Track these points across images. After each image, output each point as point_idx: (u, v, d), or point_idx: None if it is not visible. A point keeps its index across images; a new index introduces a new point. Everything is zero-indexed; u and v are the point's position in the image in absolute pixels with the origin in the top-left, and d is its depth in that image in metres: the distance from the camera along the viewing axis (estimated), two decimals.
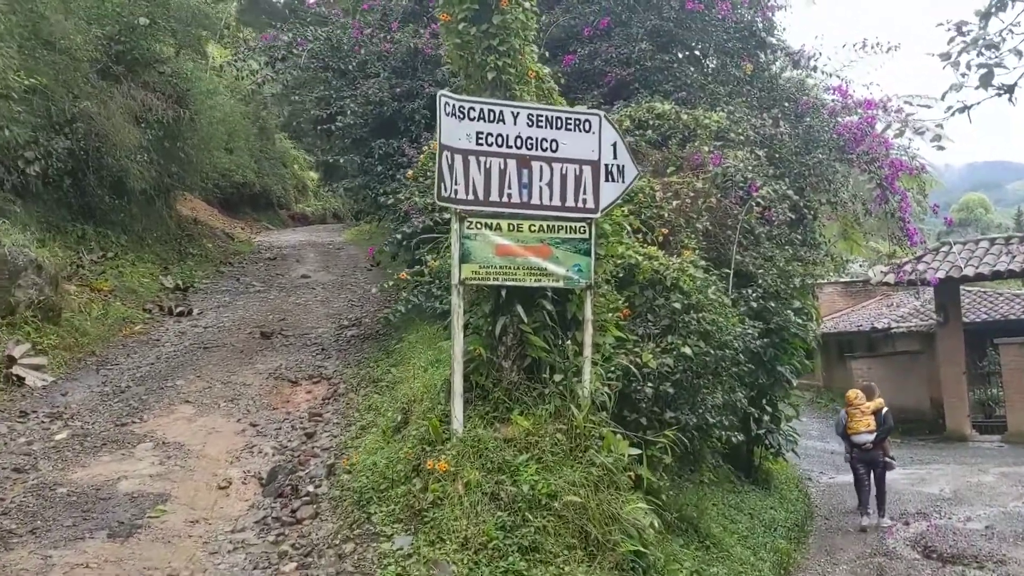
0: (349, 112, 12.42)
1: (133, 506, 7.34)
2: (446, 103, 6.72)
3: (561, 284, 7.06)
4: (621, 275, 8.64)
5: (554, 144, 7.08)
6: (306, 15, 15.37)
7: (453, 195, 6.77)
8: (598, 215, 7.18)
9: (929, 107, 13.24)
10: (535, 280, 6.96)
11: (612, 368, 7.40)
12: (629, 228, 8.89)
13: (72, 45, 14.57)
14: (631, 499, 6.75)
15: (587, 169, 7.16)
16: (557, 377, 6.97)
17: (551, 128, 7.07)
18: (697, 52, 14.23)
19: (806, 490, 15.84)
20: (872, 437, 13.24)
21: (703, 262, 9.22)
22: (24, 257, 12.02)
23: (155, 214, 18.41)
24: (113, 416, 9.84)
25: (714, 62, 14.04)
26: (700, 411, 8.48)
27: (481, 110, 6.89)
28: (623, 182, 7.33)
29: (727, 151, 11.29)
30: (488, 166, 6.88)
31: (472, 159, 6.83)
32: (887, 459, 13.54)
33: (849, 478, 14.68)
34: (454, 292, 6.78)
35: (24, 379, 10.84)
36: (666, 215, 9.43)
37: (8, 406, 10.05)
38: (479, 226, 6.84)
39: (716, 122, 11.25)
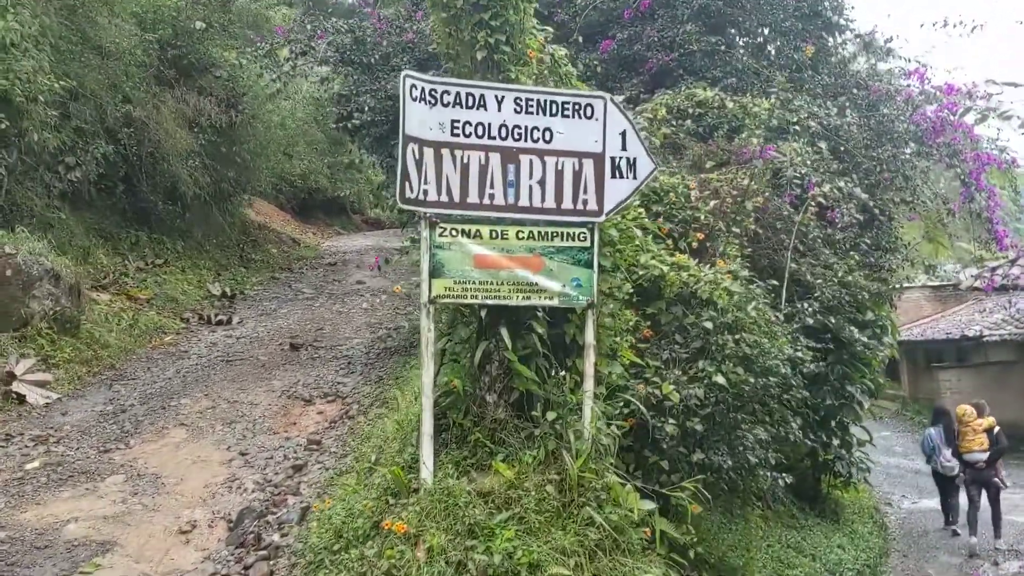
0: (367, 109, 11.41)
1: (68, 558, 6.43)
2: (412, 85, 5.57)
3: (556, 302, 5.84)
4: (645, 287, 7.38)
5: (547, 134, 5.87)
6: (327, 6, 14.52)
7: (421, 196, 5.62)
8: (602, 218, 5.94)
9: (1017, 85, 11.52)
10: (523, 297, 5.76)
11: (621, 403, 6.14)
12: (654, 232, 7.62)
13: (119, 49, 14.32)
14: (644, 564, 5.48)
15: (589, 163, 5.93)
16: (551, 415, 5.75)
17: (544, 114, 5.86)
18: (751, 36, 12.79)
19: (882, 521, 14.22)
20: (985, 456, 12.34)
21: (745, 272, 7.86)
22: (39, 267, 11.43)
23: (214, 220, 18.10)
24: (100, 440, 9.04)
25: (770, 45, 12.59)
26: (739, 449, 7.15)
27: (457, 94, 5.72)
28: (635, 178, 6.06)
29: (782, 144, 9.89)
30: (466, 161, 5.70)
31: (446, 153, 5.67)
32: (999, 479, 12.49)
33: (934, 503, 13.69)
34: (423, 313, 5.63)
35: (25, 397, 10.13)
36: (702, 217, 8.10)
37: None
38: (454, 233, 5.68)
39: (767, 110, 9.86)
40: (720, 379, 6.78)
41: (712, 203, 8.15)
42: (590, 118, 5.94)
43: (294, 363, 12.21)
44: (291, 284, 18.26)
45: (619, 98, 10.79)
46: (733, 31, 12.72)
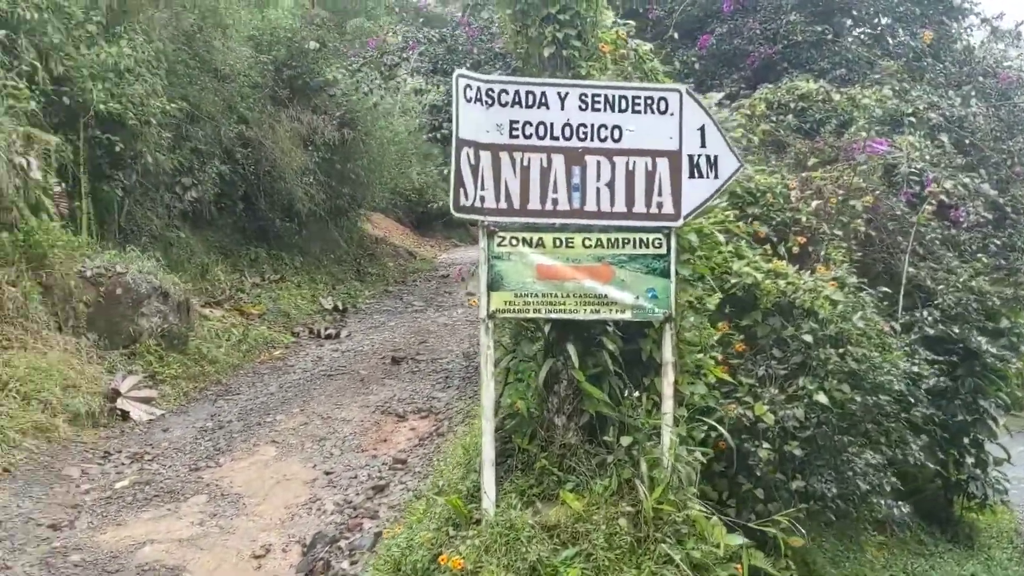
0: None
1: None
2: (467, 86, 5.17)
3: (629, 316, 5.32)
4: (739, 296, 6.76)
5: (616, 131, 5.37)
6: (416, 15, 14.38)
7: (478, 203, 5.20)
8: (679, 223, 5.39)
9: None
10: (591, 311, 5.26)
11: (706, 426, 5.55)
12: (749, 237, 6.99)
13: (235, 71, 14.73)
14: None
15: (663, 163, 5.39)
16: (625, 440, 5.23)
17: (612, 110, 5.36)
18: (863, 23, 11.87)
19: None
20: None
21: (853, 278, 7.12)
22: (148, 285, 11.63)
23: (331, 235, 18.39)
24: (193, 458, 9.01)
25: (884, 31, 11.65)
26: (847, 475, 6.42)
27: (516, 92, 5.29)
28: (716, 178, 5.49)
29: (898, 138, 9.04)
30: (526, 164, 5.27)
31: (504, 156, 5.24)
32: None
33: None
34: (481, 329, 5.21)
35: (129, 413, 10.26)
36: (804, 219, 7.40)
37: (99, 444, 9.44)
38: (514, 242, 5.24)
39: (878, 101, 9.03)
40: (822, 398, 6.10)
41: (814, 203, 7.44)
42: (664, 113, 5.40)
43: (393, 377, 12.01)
44: (403, 297, 18.22)
45: (718, 95, 10.18)
46: (842, 18, 11.84)
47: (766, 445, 5.84)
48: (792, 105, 9.24)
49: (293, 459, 8.89)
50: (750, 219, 7.32)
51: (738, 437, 6.02)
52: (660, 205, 5.36)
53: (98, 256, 11.28)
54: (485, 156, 5.21)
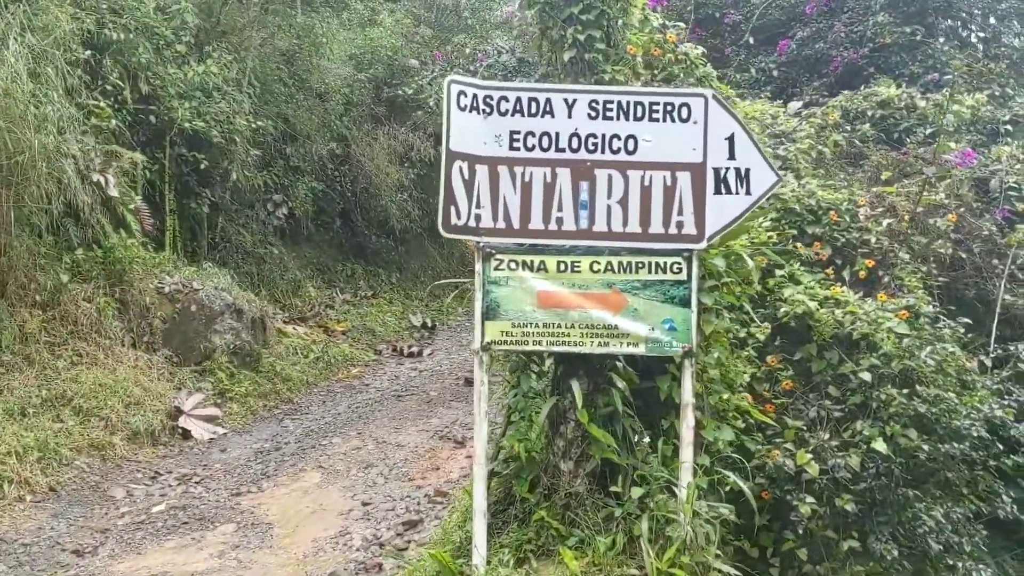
0: None
1: None
2: (460, 92, 4.67)
3: (642, 350, 4.70)
4: (793, 327, 6.03)
5: (631, 142, 4.76)
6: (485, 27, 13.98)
7: (473, 223, 4.69)
8: (702, 244, 4.73)
9: None
10: (599, 344, 4.66)
11: (731, 476, 4.84)
12: (806, 260, 6.25)
13: (331, 89, 14.79)
14: None
15: (684, 177, 4.75)
16: (637, 492, 4.60)
17: (627, 118, 4.77)
18: (959, 22, 10.80)
19: None
20: None
21: (929, 307, 6.27)
22: (222, 301, 11.59)
23: (429, 251, 18.24)
24: (239, 482, 8.76)
25: (983, 31, 10.56)
26: (918, 533, 5.58)
27: (518, 100, 4.75)
28: (748, 193, 4.81)
29: (994, 148, 8.06)
30: (528, 179, 4.72)
31: (503, 170, 4.71)
32: None
33: None
34: (476, 362, 4.69)
35: (190, 432, 10.15)
36: (874, 239, 6.57)
37: (152, 463, 9.32)
38: (513, 266, 4.69)
39: (970, 108, 8.08)
40: (880, 445, 5.30)
41: (886, 222, 6.61)
42: (686, 121, 4.77)
43: (460, 399, 11.57)
44: None
45: (797, 104, 9.38)
46: (937, 19, 10.81)
47: (810, 499, 5.09)
48: (870, 113, 8.36)
49: (335, 487, 8.54)
50: (810, 240, 6.55)
51: (781, 488, 5.29)
52: (680, 225, 4.73)
53: (177, 272, 11.31)
54: (481, 170, 4.70)
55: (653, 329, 4.67)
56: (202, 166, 11.97)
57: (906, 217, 6.67)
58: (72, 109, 9.80)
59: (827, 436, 5.46)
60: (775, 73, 10.58)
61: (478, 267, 4.70)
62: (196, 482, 8.70)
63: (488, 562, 4.60)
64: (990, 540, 6.57)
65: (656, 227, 4.73)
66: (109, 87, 10.90)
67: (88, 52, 10.57)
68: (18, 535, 7.32)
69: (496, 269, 4.69)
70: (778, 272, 6.23)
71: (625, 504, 4.63)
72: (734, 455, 5.00)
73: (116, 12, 11.02)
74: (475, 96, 4.70)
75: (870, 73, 9.98)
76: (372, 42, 15.99)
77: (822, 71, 10.46)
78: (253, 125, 12.42)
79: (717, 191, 4.78)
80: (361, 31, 16.34)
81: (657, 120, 4.77)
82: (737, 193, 4.80)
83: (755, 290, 5.50)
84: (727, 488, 4.86)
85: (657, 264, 4.72)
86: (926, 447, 5.43)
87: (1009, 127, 8.20)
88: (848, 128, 7.98)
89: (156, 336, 10.65)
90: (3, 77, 8.41)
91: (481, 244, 4.69)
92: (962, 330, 6.52)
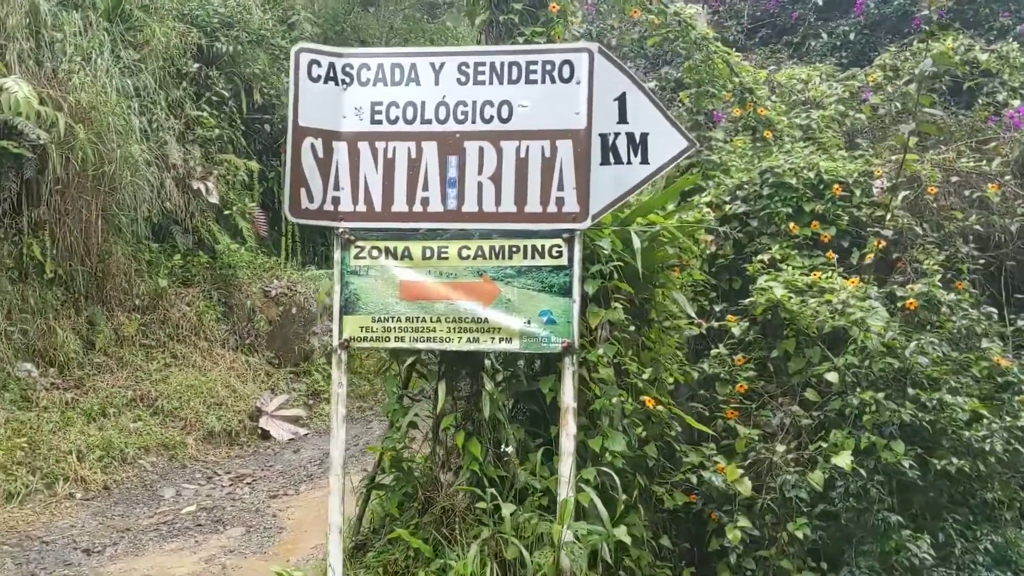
0: None
1: None
2: (313, 62, 4.22)
3: (516, 346, 4.08)
4: (770, 320, 5.18)
5: (505, 109, 4.16)
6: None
7: (330, 206, 4.24)
8: (586, 224, 4.05)
9: None
10: (468, 340, 4.09)
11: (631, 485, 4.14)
12: (803, 241, 5.36)
13: None
14: None
15: (566, 146, 4.09)
16: (507, 509, 4.00)
17: (500, 82, 4.17)
18: None
19: None
20: None
21: (951, 295, 5.21)
22: (321, 304, 11.77)
23: None
24: (285, 484, 8.67)
25: None
26: (901, 565, 4.62)
27: (380, 67, 4.26)
28: (644, 162, 4.10)
29: None
30: (390, 156, 4.22)
31: (364, 147, 4.23)
32: None
33: None
34: (333, 361, 4.23)
35: (269, 432, 10.26)
36: (889, 216, 5.55)
37: (220, 463, 9.39)
38: (375, 253, 4.20)
39: None
40: (842, 460, 4.39)
41: (901, 195, 5.56)
42: (568, 81, 4.10)
43: None
44: None
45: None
46: None
47: (742, 521, 4.27)
48: (915, 71, 7.16)
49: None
50: (808, 219, 5.62)
51: (719, 508, 4.51)
52: (561, 202, 4.07)
53: (284, 276, 11.49)
54: (340, 148, 4.23)
55: (529, 322, 4.05)
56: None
57: (933, 190, 5.60)
58: (173, 120, 10.10)
59: (783, 448, 4.60)
60: (852, 37, 9.38)
61: (337, 256, 4.23)
62: (248, 483, 8.61)
63: None
64: None
65: (533, 205, 4.10)
66: (215, 98, 11.14)
67: (197, 65, 10.87)
68: (46, 532, 7.43)
69: (356, 258, 4.21)
70: (759, 258, 5.39)
71: (500, 524, 4.04)
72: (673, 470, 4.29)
73: (227, 25, 11.31)
74: (331, 65, 4.24)
75: (956, 29, 8.64)
76: None
77: (900, 29, 9.17)
78: None
79: (605, 161, 4.10)
80: None
81: (535, 82, 4.14)
82: (629, 163, 4.10)
83: (696, 277, 4.73)
84: (662, 506, 4.19)
85: (534, 248, 4.09)
86: (907, 462, 4.47)
87: None
88: (888, 89, 6.84)
89: (260, 338, 10.79)
90: (90, 91, 8.68)
91: (340, 230, 4.22)
92: (996, 319, 5.42)
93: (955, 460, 4.62)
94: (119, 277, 9.75)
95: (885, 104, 6.45)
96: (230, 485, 8.39)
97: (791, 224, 5.59)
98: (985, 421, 4.84)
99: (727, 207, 5.91)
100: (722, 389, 5.05)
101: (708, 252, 5.84)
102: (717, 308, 5.63)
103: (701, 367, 5.21)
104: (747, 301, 5.14)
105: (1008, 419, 4.84)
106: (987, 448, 4.70)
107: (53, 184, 8.46)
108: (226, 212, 10.89)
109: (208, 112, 10.81)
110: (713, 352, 5.25)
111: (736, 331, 5.27)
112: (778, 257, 5.44)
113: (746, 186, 5.91)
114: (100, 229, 9.15)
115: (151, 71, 10.01)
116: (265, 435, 9.84)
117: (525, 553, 3.71)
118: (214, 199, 10.61)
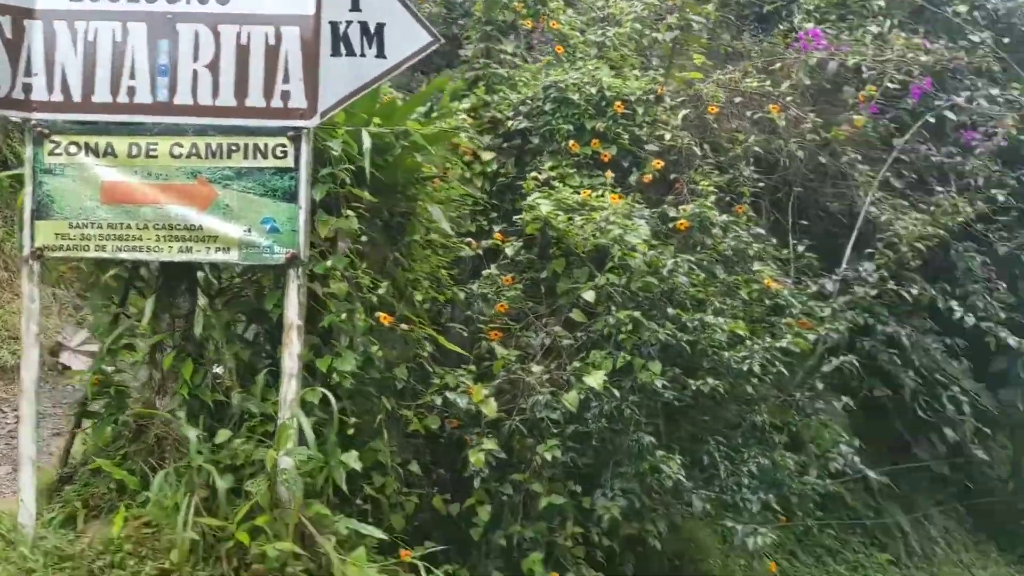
0: None
1: None
2: None
3: (235, 257, 3.68)
4: (542, 239, 4.96)
5: None
6: None
7: (20, 94, 3.68)
8: (314, 121, 3.66)
9: None
10: (180, 249, 3.65)
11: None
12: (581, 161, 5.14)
13: None
14: None
15: (292, 33, 3.66)
16: (222, 436, 3.64)
17: None
18: None
19: None
20: None
21: (723, 215, 5.13)
22: None
23: None
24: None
25: None
26: (661, 487, 4.56)
27: None
28: (380, 56, 3.72)
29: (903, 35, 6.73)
30: (92, 38, 3.68)
31: (62, 27, 3.67)
32: None
33: None
34: (24, 274, 3.71)
35: (71, 367, 9.44)
36: (668, 135, 5.41)
37: (7, 400, 8.54)
38: (73, 149, 3.68)
39: None
40: (594, 379, 4.24)
41: (682, 114, 5.42)
42: None
43: None
44: None
45: None
46: None
47: (487, 444, 4.07)
48: None
49: None
50: (589, 137, 5.40)
51: (469, 431, 4.29)
52: (286, 96, 3.65)
53: None
54: (34, 27, 3.65)
55: (250, 230, 3.64)
56: None
57: (713, 109, 5.47)
58: None
59: (539, 369, 4.42)
60: None
61: (28, 152, 3.67)
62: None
63: (50, 520, 3.71)
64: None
65: (255, 99, 3.67)
66: None
67: None
68: None
69: (51, 154, 3.67)
70: (532, 175, 5.15)
71: (217, 452, 3.67)
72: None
73: None
74: None
75: None
76: None
77: None
78: None
79: (336, 52, 3.70)
80: None
81: None
82: (363, 55, 3.71)
83: (458, 191, 4.43)
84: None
85: (256, 147, 3.66)
86: (660, 383, 4.36)
87: (882, 3, 6.80)
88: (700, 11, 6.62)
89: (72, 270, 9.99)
90: None
91: (32, 122, 3.67)
92: (774, 243, 5.40)
93: (710, 380, 4.56)
94: None
95: (680, 23, 6.28)
96: (15, 422, 7.72)
97: (571, 142, 5.37)
98: (748, 343, 4.81)
99: (509, 123, 5.64)
100: (487, 310, 4.82)
101: (489, 170, 5.58)
102: (497, 228, 5.38)
103: (470, 288, 4.96)
104: (517, 218, 4.89)
105: (769, 340, 4.82)
106: (745, 369, 4.67)
107: None
108: None
109: None
110: (484, 272, 5.01)
111: (509, 251, 5.03)
112: (554, 175, 5.21)
113: (529, 101, 5.65)
114: None
115: None
116: (67, 370, 9.16)
117: (220, 482, 3.36)
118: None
